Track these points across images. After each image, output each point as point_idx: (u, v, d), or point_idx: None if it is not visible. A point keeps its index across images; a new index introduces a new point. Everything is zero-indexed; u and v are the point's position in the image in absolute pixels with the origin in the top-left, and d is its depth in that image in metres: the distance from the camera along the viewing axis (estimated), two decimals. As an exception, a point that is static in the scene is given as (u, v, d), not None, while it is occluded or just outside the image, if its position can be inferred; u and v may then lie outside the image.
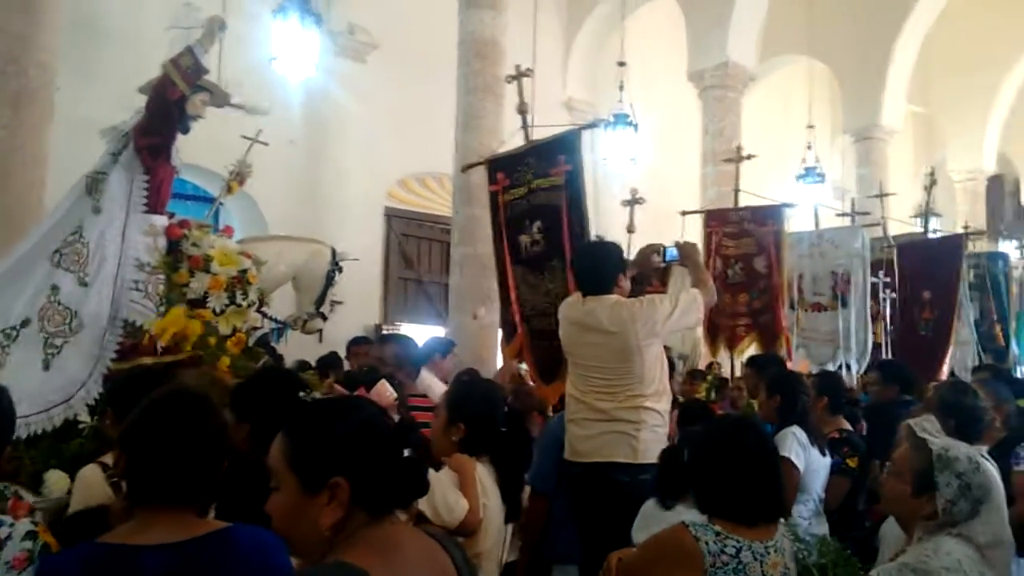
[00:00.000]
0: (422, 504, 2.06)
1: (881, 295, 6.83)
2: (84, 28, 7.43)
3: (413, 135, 9.85)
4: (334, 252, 5.23)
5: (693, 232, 6.48)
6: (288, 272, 4.92)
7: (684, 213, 6.82)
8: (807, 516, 3.31)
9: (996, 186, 16.78)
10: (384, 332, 10.04)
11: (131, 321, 3.25)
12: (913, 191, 15.22)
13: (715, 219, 6.54)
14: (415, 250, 10.99)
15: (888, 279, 6.99)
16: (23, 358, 3.01)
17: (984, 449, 2.89)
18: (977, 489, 1.84)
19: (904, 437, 2.00)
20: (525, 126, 4.62)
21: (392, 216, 10.72)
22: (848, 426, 3.92)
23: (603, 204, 10.35)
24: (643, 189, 7.63)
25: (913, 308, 6.97)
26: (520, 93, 4.85)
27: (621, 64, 9.99)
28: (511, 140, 5.22)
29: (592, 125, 4.23)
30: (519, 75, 5.02)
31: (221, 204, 5.41)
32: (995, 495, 1.86)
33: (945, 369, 6.59)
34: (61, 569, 1.42)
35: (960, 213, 15.36)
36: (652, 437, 3.08)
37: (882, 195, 8.67)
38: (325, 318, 5.09)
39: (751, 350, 5.92)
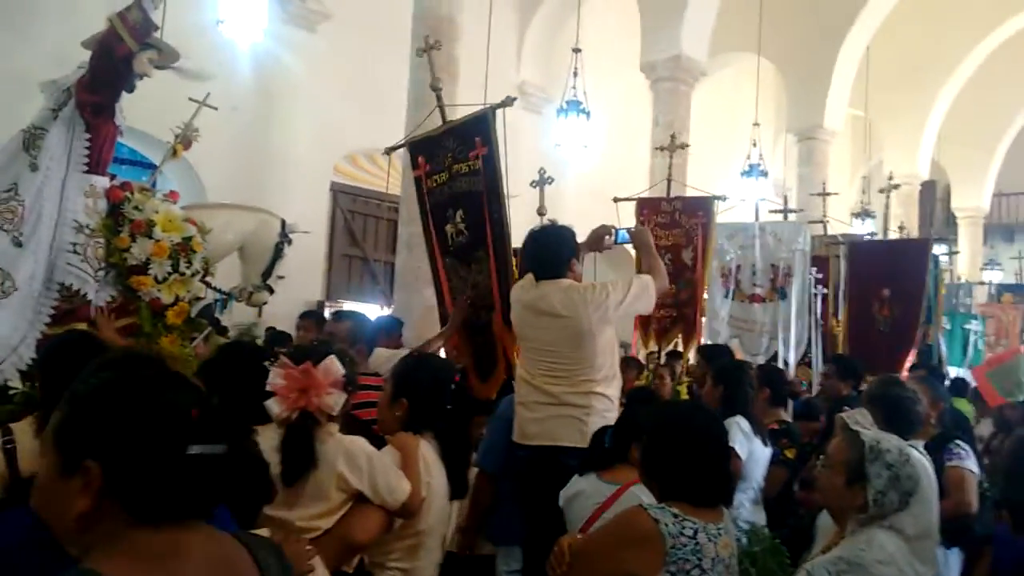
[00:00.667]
0: (362, 485, 2.02)
1: (812, 291, 6.87)
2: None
3: (362, 110, 9.67)
4: (284, 223, 5.08)
5: (626, 221, 6.49)
6: (235, 241, 4.77)
7: (617, 200, 6.75)
8: (747, 505, 3.38)
9: (929, 191, 17.44)
10: (330, 309, 9.89)
11: (67, 285, 3.11)
12: (850, 192, 15.75)
13: (647, 208, 6.50)
14: (361, 227, 10.82)
15: (821, 275, 7.08)
16: (-49, 320, 2.84)
17: (919, 444, 3.02)
18: (906, 480, 1.89)
19: (838, 429, 2.05)
20: (440, 105, 4.40)
21: (338, 191, 10.52)
22: (787, 418, 4.01)
23: (553, 190, 10.39)
24: (596, 176, 7.72)
25: (871, 305, 7.10)
26: (432, 69, 4.63)
27: (576, 50, 9.98)
28: (421, 125, 5.05)
29: (505, 104, 3.95)
30: (428, 48, 4.81)
31: (161, 171, 5.20)
32: (924, 488, 1.92)
33: (906, 366, 6.67)
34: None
35: (894, 216, 15.92)
36: (601, 422, 3.09)
37: (825, 194, 8.92)
38: (272, 291, 4.95)
39: (678, 341, 6.04)
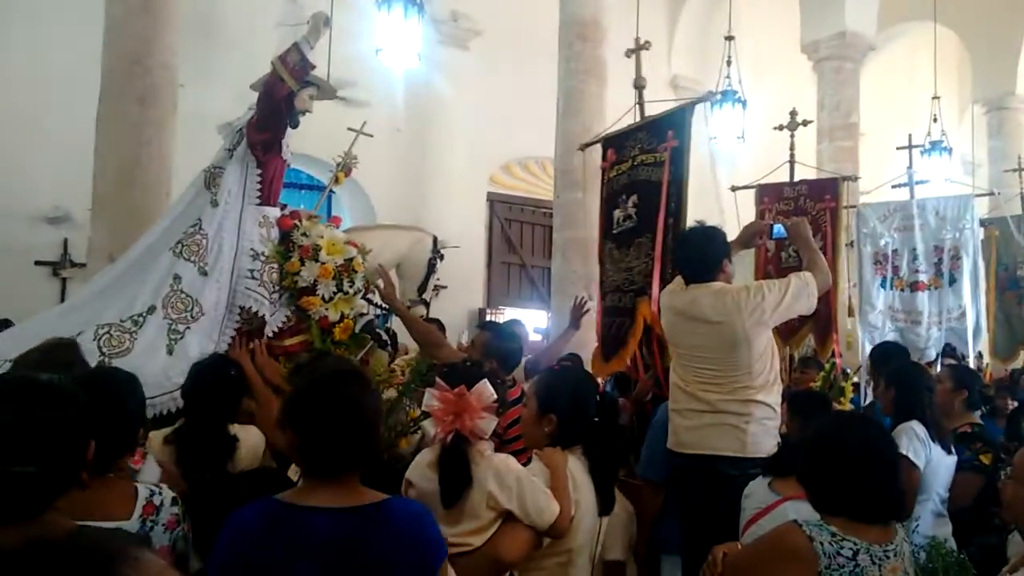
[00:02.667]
0: (511, 504, 2.05)
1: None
2: (202, 28, 7.82)
3: (515, 120, 9.86)
4: (435, 240, 5.32)
5: (746, 209, 6.04)
6: (392, 260, 5.05)
7: (734, 188, 6.33)
8: (927, 518, 3.11)
9: None
10: (491, 315, 10.17)
11: (247, 308, 3.41)
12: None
13: (768, 195, 6.01)
14: (518, 234, 11.04)
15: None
16: (149, 344, 3.18)
17: None
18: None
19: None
20: (641, 102, 4.45)
21: (495, 201, 10.80)
22: (979, 421, 3.66)
23: (705, 186, 10.09)
24: (755, 169, 7.31)
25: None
26: (637, 67, 4.71)
27: (729, 38, 9.64)
28: (619, 121, 5.07)
29: (705, 99, 3.97)
30: (637, 48, 4.86)
31: (333, 193, 5.60)
32: None
33: None
34: (246, 519, 1.55)
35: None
36: (760, 430, 2.98)
37: (1021, 168, 7.99)
38: (427, 304, 5.18)
39: (808, 342, 5.49)
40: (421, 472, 2.09)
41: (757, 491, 2.46)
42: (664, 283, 3.65)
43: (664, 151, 3.99)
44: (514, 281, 11.03)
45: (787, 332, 5.34)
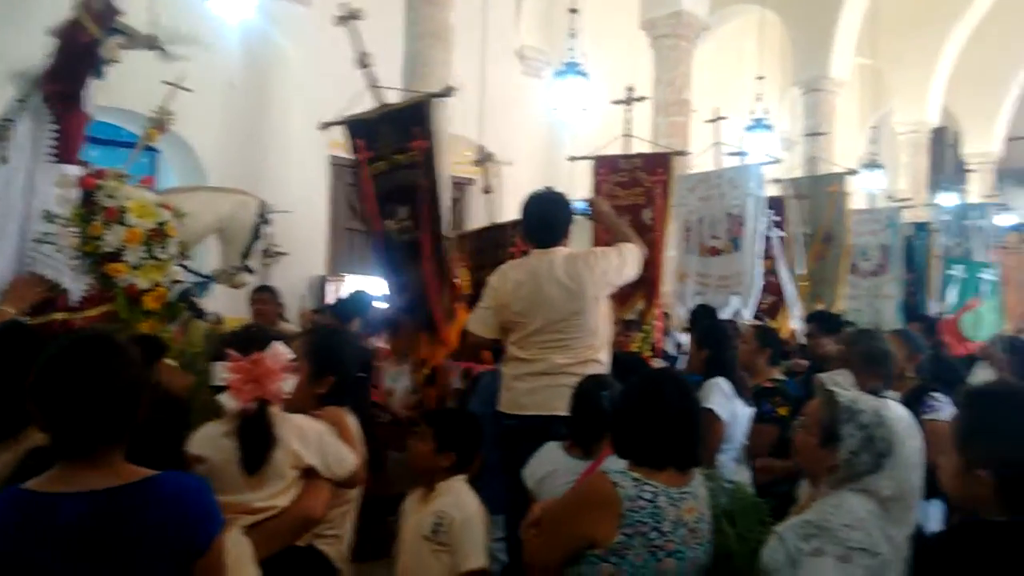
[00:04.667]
0: (315, 460, 2.05)
1: (769, 233, 6.37)
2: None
3: (359, 83, 9.59)
4: (262, 204, 5.06)
5: (571, 180, 6.18)
6: (213, 224, 4.78)
7: (572, 159, 6.38)
8: (729, 464, 3.39)
9: (938, 139, 17.10)
10: (332, 283, 9.93)
11: (42, 275, 3.12)
12: (859, 143, 15.48)
13: (604, 166, 6.08)
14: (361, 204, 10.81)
15: (779, 218, 6.68)
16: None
17: (896, 397, 3.00)
18: (880, 442, 1.87)
19: (816, 389, 2.03)
20: (373, 85, 4.18)
21: (338, 165, 10.48)
22: (781, 376, 3.99)
23: (556, 156, 10.29)
24: (599, 140, 7.55)
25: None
26: (356, 40, 4.25)
27: (573, 11, 9.80)
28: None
29: (443, 94, 3.77)
30: (349, 16, 4.42)
31: (155, 152, 5.20)
32: (900, 449, 1.89)
33: None
34: None
35: (903, 165, 15.66)
36: None
37: (815, 134, 8.73)
38: (251, 271, 4.94)
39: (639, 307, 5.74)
40: (213, 443, 2.02)
41: (560, 466, 2.57)
42: (441, 296, 3.64)
43: (417, 151, 3.85)
44: (358, 247, 10.81)
45: (622, 298, 5.55)
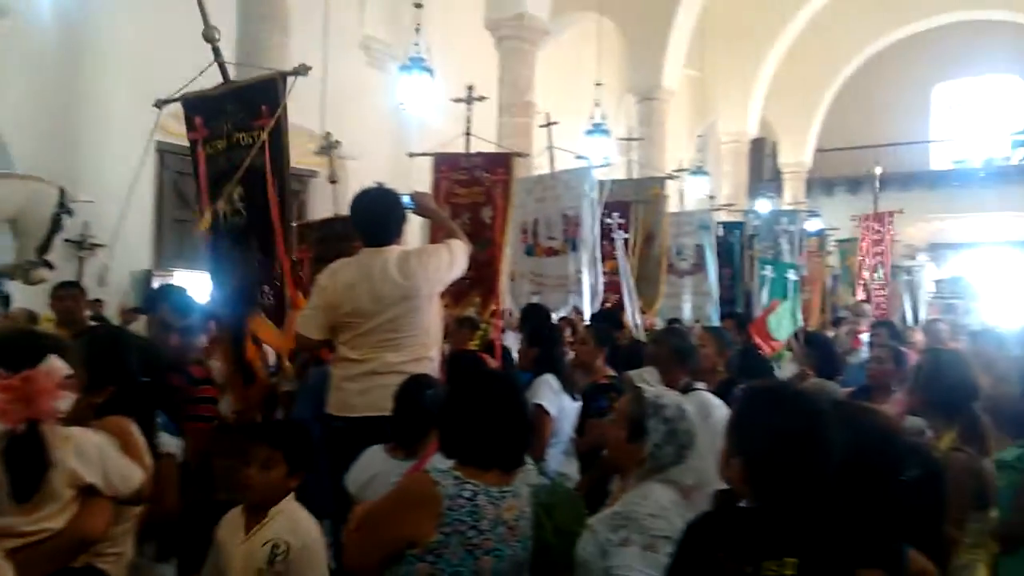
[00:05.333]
0: (95, 478, 1.87)
1: (612, 235, 6.72)
2: None
3: (190, 64, 9.03)
4: (63, 192, 4.61)
5: (417, 175, 6.17)
6: (6, 213, 4.31)
7: (411, 155, 6.34)
8: (558, 457, 3.53)
9: (757, 149, 18.56)
10: (159, 279, 9.32)
11: None
12: (687, 150, 16.52)
13: (445, 164, 6.03)
14: (193, 190, 10.19)
15: (623, 220, 7.00)
16: None
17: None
18: (683, 435, 2.01)
19: (624, 386, 2.15)
20: (219, 61, 3.83)
21: (166, 152, 9.84)
22: (614, 373, 4.11)
23: (398, 152, 10.19)
24: (445, 138, 7.55)
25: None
26: (203, 11, 3.99)
27: (418, 5, 9.75)
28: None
29: (298, 72, 3.54)
30: None
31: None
32: (701, 442, 2.05)
33: None
34: None
35: (725, 173, 16.87)
36: None
37: (630, 139, 9.24)
38: (51, 266, 4.50)
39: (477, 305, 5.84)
40: None
41: (383, 468, 2.55)
42: (301, 283, 3.53)
43: (261, 131, 3.54)
44: (188, 241, 10.20)
45: (457, 295, 5.54)
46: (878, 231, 12.24)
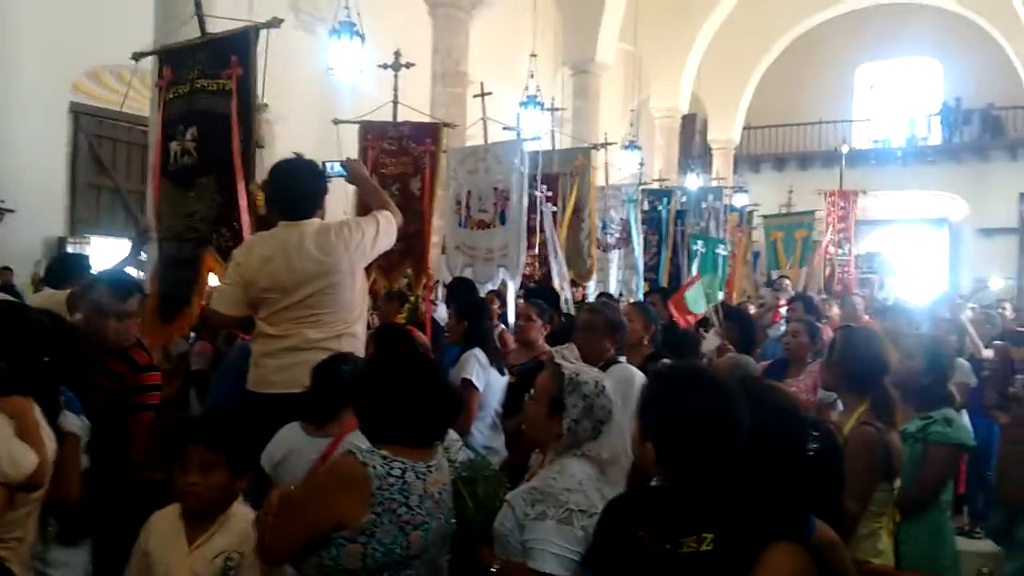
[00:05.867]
0: None
1: (540, 208, 6.80)
2: None
3: (106, 19, 8.58)
4: None
5: (348, 142, 6.07)
6: None
7: (337, 122, 6.19)
8: (484, 431, 3.54)
9: (688, 125, 18.83)
10: (73, 246, 8.92)
11: None
12: (621, 124, 16.64)
13: (372, 132, 5.93)
14: (110, 154, 9.77)
15: (551, 193, 7.08)
16: None
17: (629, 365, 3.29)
18: (600, 411, 2.03)
19: (545, 363, 2.15)
20: (200, 14, 3.96)
21: (80, 113, 9.38)
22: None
23: (327, 118, 9.94)
24: (377, 105, 7.38)
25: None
26: None
27: (347, -32, 9.47)
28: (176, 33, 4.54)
29: (271, 24, 3.62)
30: None
31: None
32: (617, 417, 2.07)
33: None
34: None
35: (657, 147, 17.07)
36: None
37: (553, 109, 9.31)
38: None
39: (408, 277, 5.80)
40: None
41: (298, 445, 2.50)
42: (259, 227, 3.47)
43: (228, 78, 3.63)
44: (105, 206, 9.79)
45: (388, 268, 5.47)
46: (843, 207, 12.59)
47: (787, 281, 8.18)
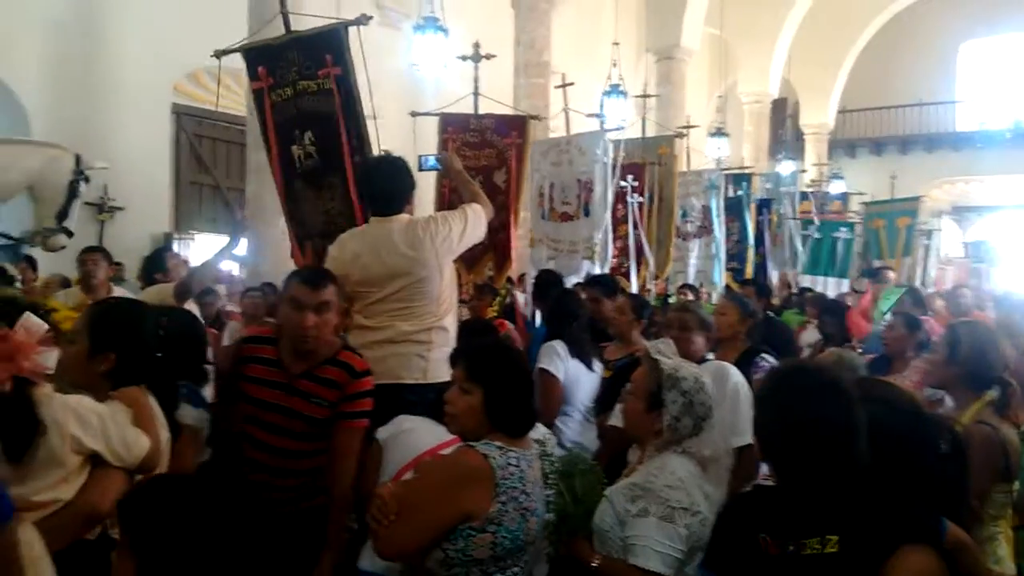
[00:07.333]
0: (98, 444, 1.88)
1: (628, 199, 6.70)
2: None
3: (204, 21, 8.93)
4: (78, 159, 4.64)
5: (429, 138, 6.03)
6: (21, 180, 4.35)
7: (415, 114, 6.15)
8: (572, 426, 3.52)
9: (779, 110, 18.23)
10: (179, 241, 9.38)
11: None
12: (707, 111, 16.25)
13: (452, 124, 5.95)
14: (211, 152, 10.20)
15: (637, 183, 6.95)
16: None
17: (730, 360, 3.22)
18: (700, 407, 2.01)
19: (642, 358, 2.14)
20: (284, 11, 4.01)
21: (182, 114, 9.83)
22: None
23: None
24: (459, 98, 7.47)
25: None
26: None
27: (431, -37, 9.58)
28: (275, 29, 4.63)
29: (359, 22, 3.61)
30: None
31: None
32: (718, 414, 2.04)
33: None
34: None
35: (747, 133, 16.61)
36: (440, 356, 3.07)
37: (645, 96, 9.09)
38: (70, 233, 4.55)
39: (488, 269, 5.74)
40: None
41: (420, 427, 2.54)
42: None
43: (327, 78, 3.71)
44: (207, 203, 10.24)
45: (470, 260, 5.50)
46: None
47: (890, 273, 7.82)
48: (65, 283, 4.70)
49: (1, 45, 4.55)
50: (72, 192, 4.58)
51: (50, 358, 1.81)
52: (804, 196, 11.97)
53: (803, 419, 1.57)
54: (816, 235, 10.07)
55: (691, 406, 2.00)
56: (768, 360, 3.35)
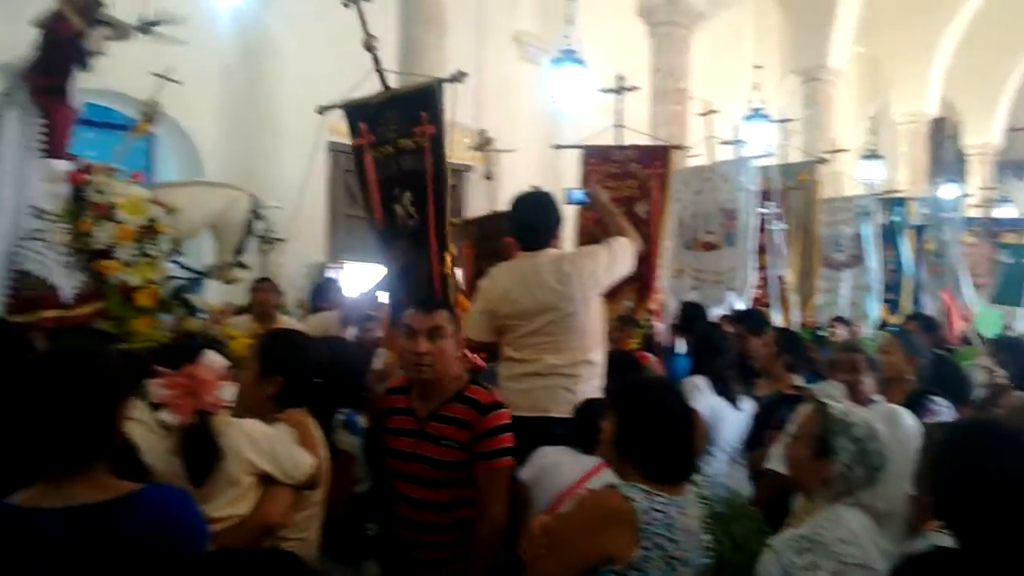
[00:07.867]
0: (268, 466, 2.04)
1: (767, 227, 6.37)
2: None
3: (355, 66, 9.47)
4: (254, 199, 5.04)
5: (569, 169, 5.94)
6: (204, 220, 4.76)
7: (558, 147, 6.21)
8: (721, 467, 3.39)
9: (938, 130, 17.02)
10: (330, 270, 9.89)
11: (31, 272, 3.08)
12: (857, 132, 15.44)
13: (595, 156, 5.91)
14: (360, 189, 10.73)
15: (780, 210, 6.62)
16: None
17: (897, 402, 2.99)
18: (874, 455, 1.86)
19: (807, 401, 2.01)
20: (379, 68, 3.98)
21: (337, 151, 10.40)
22: (801, 383, 3.80)
23: (547, 146, 10.24)
24: (598, 129, 7.48)
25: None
26: (363, 22, 4.07)
27: (570, -4, 9.71)
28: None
29: (455, 79, 3.55)
30: None
31: (150, 139, 5.19)
32: (893, 463, 1.88)
33: None
34: None
35: (902, 156, 15.62)
36: (589, 389, 3.06)
37: (785, 120, 8.66)
38: (245, 267, 4.93)
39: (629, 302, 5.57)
40: (161, 459, 2.02)
41: (565, 460, 2.52)
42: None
43: (423, 136, 3.71)
44: (358, 235, 10.74)
45: (611, 291, 5.43)
46: None
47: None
48: (239, 311, 5.13)
49: (182, 93, 4.98)
50: (248, 230, 4.97)
51: (229, 392, 1.97)
52: (969, 221, 11.04)
53: (991, 482, 1.43)
54: (1008, 260, 9.17)
55: (864, 455, 1.86)
56: (936, 403, 3.10)
